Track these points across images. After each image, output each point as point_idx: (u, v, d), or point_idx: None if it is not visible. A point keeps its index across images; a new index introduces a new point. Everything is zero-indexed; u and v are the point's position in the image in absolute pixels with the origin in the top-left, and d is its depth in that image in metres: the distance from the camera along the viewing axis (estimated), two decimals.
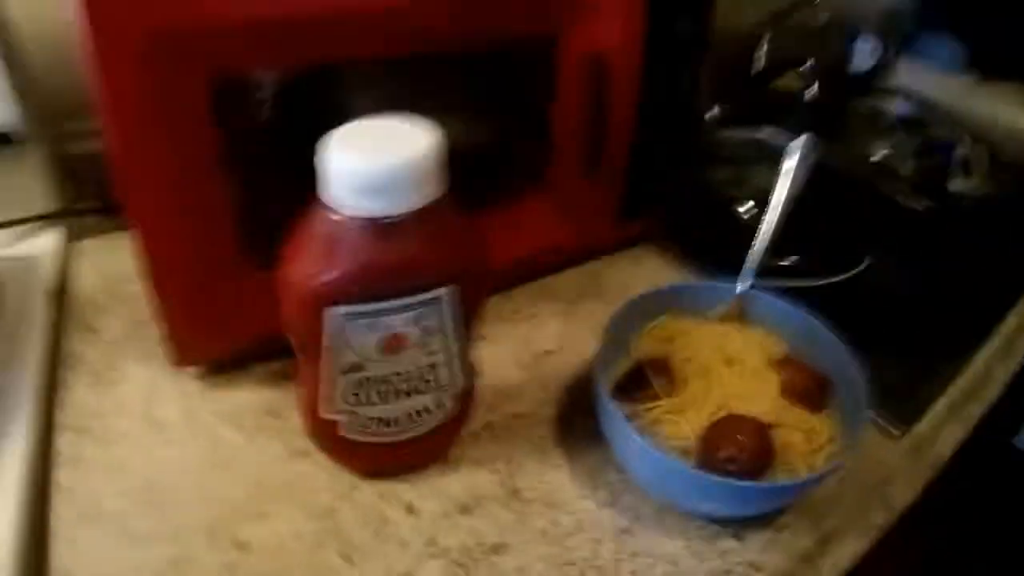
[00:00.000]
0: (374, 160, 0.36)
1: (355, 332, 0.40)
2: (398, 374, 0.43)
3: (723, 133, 0.85)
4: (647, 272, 0.73)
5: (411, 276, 0.39)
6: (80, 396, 0.55)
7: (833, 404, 0.52)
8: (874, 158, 0.84)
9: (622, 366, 0.55)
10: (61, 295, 0.64)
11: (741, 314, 0.59)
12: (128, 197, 0.45)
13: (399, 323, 0.40)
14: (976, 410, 0.64)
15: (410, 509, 0.50)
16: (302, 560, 0.46)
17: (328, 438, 0.48)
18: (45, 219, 0.68)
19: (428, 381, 0.45)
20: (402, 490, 0.51)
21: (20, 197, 0.66)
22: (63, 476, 0.50)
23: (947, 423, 0.61)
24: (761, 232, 0.59)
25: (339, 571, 0.46)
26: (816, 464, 0.49)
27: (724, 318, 0.59)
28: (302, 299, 0.39)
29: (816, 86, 0.89)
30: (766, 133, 0.83)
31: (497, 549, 0.48)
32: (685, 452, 0.49)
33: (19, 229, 0.67)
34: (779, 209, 0.60)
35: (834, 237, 0.78)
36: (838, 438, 0.50)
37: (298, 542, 0.47)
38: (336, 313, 0.39)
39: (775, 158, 0.69)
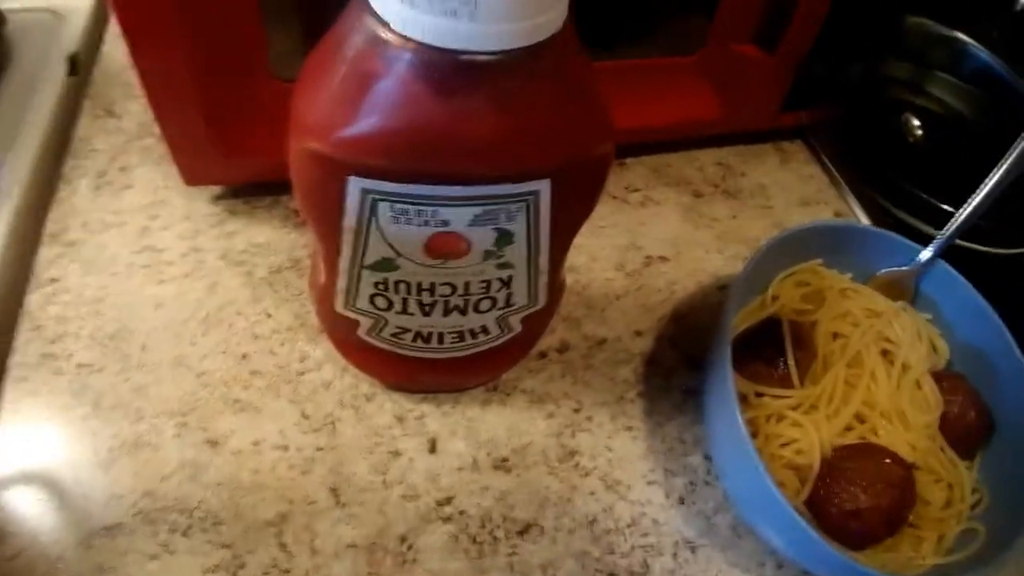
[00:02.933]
0: None
1: (390, 218, 0.26)
2: (450, 285, 0.30)
3: (913, 19, 0.65)
4: (793, 177, 0.56)
5: (492, 156, 0.24)
6: (77, 199, 0.45)
7: (987, 454, 0.39)
8: None
9: (753, 310, 0.41)
10: (85, 64, 0.52)
11: (914, 288, 0.43)
12: None
13: (459, 219, 0.26)
14: None
15: (432, 446, 0.38)
16: (279, 480, 0.36)
17: (343, 338, 0.36)
18: None
19: (493, 299, 0.31)
20: (429, 415, 0.39)
21: None
22: (33, 302, 0.40)
23: None
24: (970, 202, 0.41)
25: (321, 510, 0.35)
26: (949, 535, 0.36)
27: (893, 287, 0.43)
28: (314, 156, 0.25)
29: None
30: (962, 36, 0.66)
31: (527, 530, 0.36)
32: (801, 473, 0.36)
33: None
34: (995, 182, 0.41)
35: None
36: (984, 501, 0.37)
37: (280, 455, 0.36)
38: (363, 186, 0.25)
39: (962, 71, 0.64)
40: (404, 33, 0.22)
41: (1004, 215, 0.46)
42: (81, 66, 0.51)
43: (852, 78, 0.51)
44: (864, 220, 0.53)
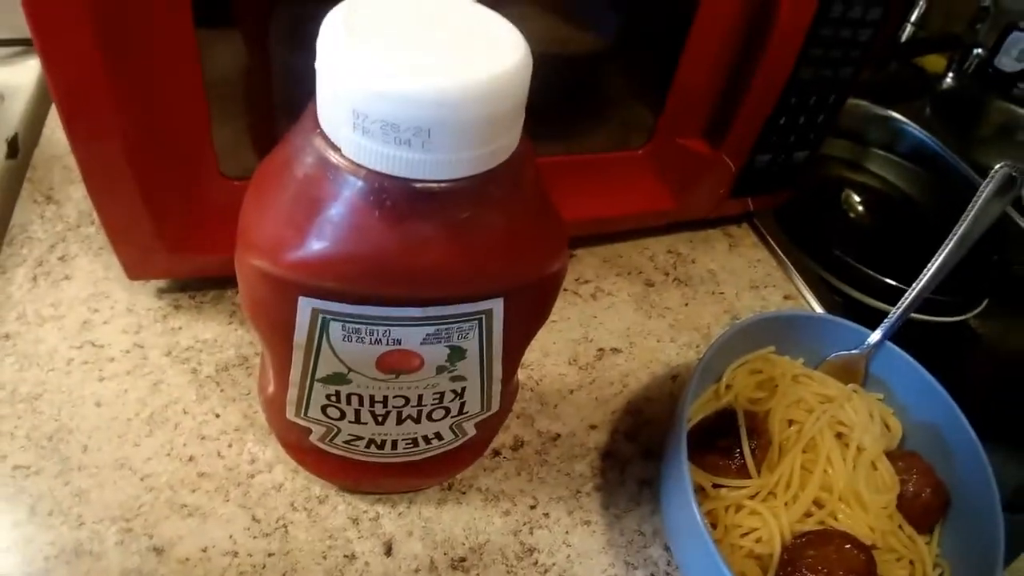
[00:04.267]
0: (412, 73, 0.20)
1: (341, 336, 0.26)
2: (403, 397, 0.29)
3: (850, 101, 0.69)
4: (742, 262, 0.57)
5: (445, 281, 0.24)
6: (13, 289, 0.43)
7: (946, 527, 0.40)
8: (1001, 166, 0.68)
9: (707, 400, 0.42)
10: (26, 146, 0.51)
11: (864, 370, 0.44)
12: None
13: (411, 338, 0.26)
14: None
15: (388, 548, 0.37)
16: None
17: (295, 443, 0.35)
18: (26, 44, 0.54)
19: (447, 408, 0.31)
20: (384, 516, 0.38)
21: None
22: None
23: None
24: (922, 277, 0.43)
25: None
26: None
27: (844, 370, 0.44)
28: (262, 274, 0.24)
29: (952, 76, 0.80)
30: (896, 115, 0.72)
31: None
32: (762, 562, 0.36)
33: None
34: (948, 252, 0.42)
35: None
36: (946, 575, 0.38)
37: (230, 561, 0.35)
38: (313, 306, 0.24)
39: (898, 147, 0.68)
40: (356, 160, 0.22)
41: (949, 287, 0.47)
42: (21, 148, 0.50)
43: (797, 164, 0.52)
44: (812, 300, 0.54)
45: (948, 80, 0.78)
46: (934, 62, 0.81)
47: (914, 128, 0.68)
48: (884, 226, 0.62)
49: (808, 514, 0.38)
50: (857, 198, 0.63)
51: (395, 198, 0.22)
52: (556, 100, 0.43)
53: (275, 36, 0.36)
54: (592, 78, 0.45)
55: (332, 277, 0.23)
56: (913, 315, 0.43)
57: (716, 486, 0.38)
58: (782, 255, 0.57)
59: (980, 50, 0.77)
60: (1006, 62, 0.76)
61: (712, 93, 0.47)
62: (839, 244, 0.56)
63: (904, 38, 0.78)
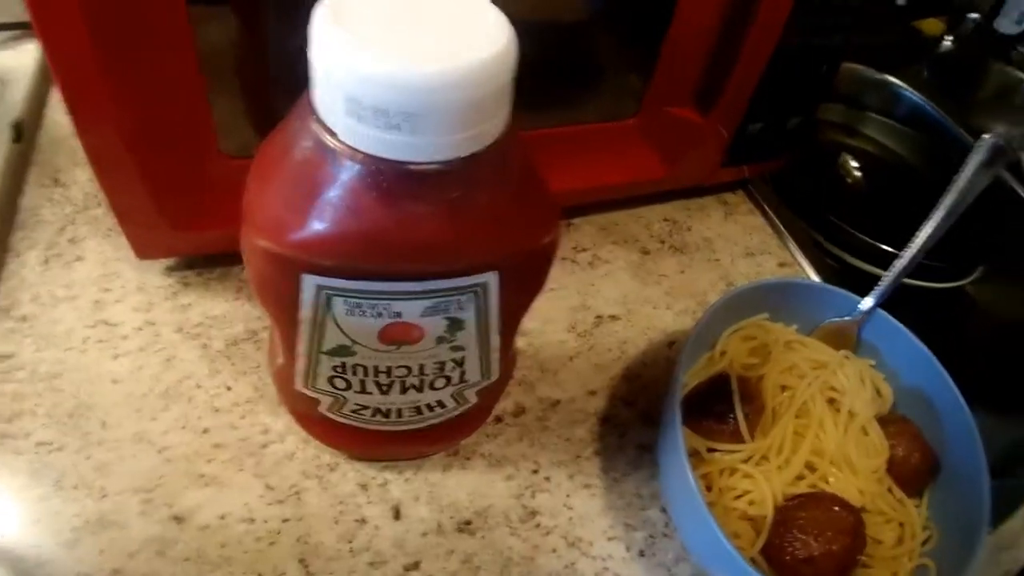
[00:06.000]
0: (400, 60, 0.21)
1: (344, 311, 0.27)
2: (405, 368, 0.30)
3: (845, 65, 0.69)
4: (738, 229, 0.58)
5: (440, 256, 0.25)
6: (27, 272, 0.44)
7: (934, 491, 0.41)
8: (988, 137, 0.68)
9: (702, 366, 0.43)
10: (30, 130, 0.51)
11: (857, 336, 0.45)
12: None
13: (411, 311, 0.27)
14: None
15: (397, 512, 0.38)
16: (247, 554, 0.36)
17: (305, 413, 0.36)
18: (25, 28, 0.54)
19: (448, 377, 0.32)
20: (392, 482, 0.39)
21: None
22: None
23: None
24: (911, 246, 0.43)
25: None
26: (901, 573, 0.38)
27: (837, 336, 0.45)
28: (267, 254, 0.25)
29: (950, 39, 0.78)
30: (893, 79, 0.71)
31: None
32: (755, 524, 0.37)
33: None
34: (936, 222, 0.43)
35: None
36: (934, 538, 0.39)
37: (247, 527, 0.36)
38: (317, 283, 0.26)
39: (895, 112, 0.67)
40: (351, 144, 0.23)
41: (944, 253, 0.48)
42: (25, 133, 0.51)
43: (790, 131, 0.53)
44: (807, 267, 0.55)
45: (946, 43, 0.78)
46: (932, 25, 0.81)
47: (911, 92, 0.68)
48: (881, 191, 0.63)
49: (800, 477, 0.39)
50: (854, 163, 0.64)
51: (390, 180, 0.23)
52: (545, 71, 0.43)
53: (269, 12, 0.36)
54: (580, 47, 0.45)
55: (333, 255, 0.24)
56: (909, 281, 0.44)
57: (711, 450, 0.39)
58: (777, 222, 0.57)
59: (977, 14, 0.76)
60: (1006, 24, 0.75)
61: (701, 61, 0.47)
62: (835, 210, 0.57)
63: (901, 1, 0.78)
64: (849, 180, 0.63)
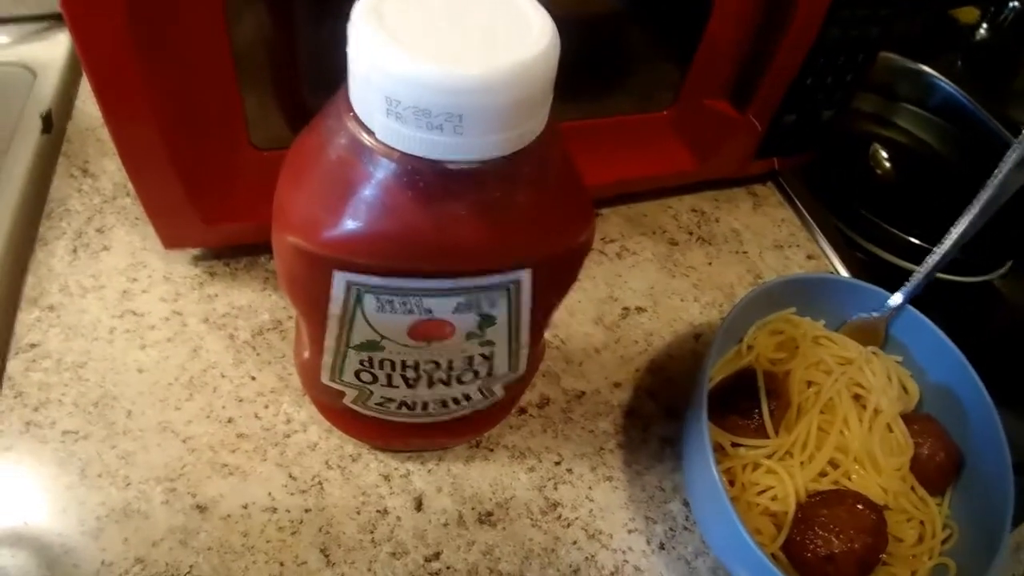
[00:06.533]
0: (443, 61, 0.21)
1: (375, 307, 0.27)
2: (433, 363, 0.30)
3: (879, 54, 0.67)
4: (766, 221, 0.57)
5: (475, 256, 0.25)
6: (55, 262, 0.45)
7: (956, 490, 0.41)
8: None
9: (729, 360, 0.43)
10: (59, 121, 0.52)
11: (884, 333, 0.44)
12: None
13: (442, 308, 0.27)
14: None
15: (419, 504, 0.38)
16: (269, 543, 0.36)
17: (329, 404, 0.36)
18: (55, 19, 0.54)
19: (476, 372, 0.32)
20: (414, 473, 0.39)
21: None
22: (14, 368, 0.40)
23: None
24: (944, 242, 0.43)
25: (312, 571, 0.36)
26: (921, 571, 0.38)
27: (864, 332, 0.45)
28: (298, 251, 0.25)
29: (986, 28, 0.77)
30: (927, 68, 0.69)
31: None
32: (777, 519, 0.37)
33: (21, 28, 0.54)
34: (970, 219, 0.42)
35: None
36: (954, 536, 0.39)
37: (269, 517, 0.37)
38: (348, 279, 0.26)
39: (928, 102, 0.66)
40: (389, 144, 0.23)
41: (972, 247, 0.47)
42: (54, 123, 0.51)
43: (824, 123, 0.52)
44: (835, 260, 0.54)
45: (981, 32, 0.76)
46: (967, 13, 0.79)
47: (945, 82, 0.66)
48: (911, 183, 0.62)
49: (823, 474, 0.39)
50: (885, 154, 0.63)
51: (427, 179, 0.23)
52: (583, 63, 0.43)
53: (302, 5, 0.36)
54: (619, 39, 0.45)
55: (367, 254, 0.24)
56: (936, 275, 0.43)
57: (735, 445, 0.39)
58: (806, 214, 0.57)
59: (1016, 2, 0.75)
60: None
61: (739, 54, 0.47)
62: (865, 201, 0.56)
63: None
64: (879, 171, 0.62)
